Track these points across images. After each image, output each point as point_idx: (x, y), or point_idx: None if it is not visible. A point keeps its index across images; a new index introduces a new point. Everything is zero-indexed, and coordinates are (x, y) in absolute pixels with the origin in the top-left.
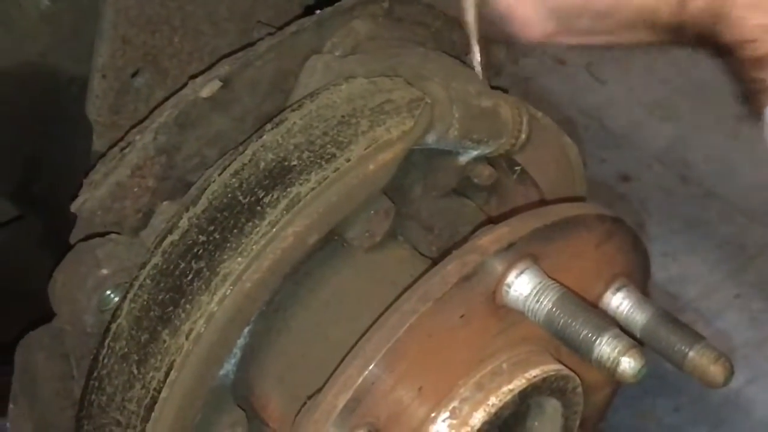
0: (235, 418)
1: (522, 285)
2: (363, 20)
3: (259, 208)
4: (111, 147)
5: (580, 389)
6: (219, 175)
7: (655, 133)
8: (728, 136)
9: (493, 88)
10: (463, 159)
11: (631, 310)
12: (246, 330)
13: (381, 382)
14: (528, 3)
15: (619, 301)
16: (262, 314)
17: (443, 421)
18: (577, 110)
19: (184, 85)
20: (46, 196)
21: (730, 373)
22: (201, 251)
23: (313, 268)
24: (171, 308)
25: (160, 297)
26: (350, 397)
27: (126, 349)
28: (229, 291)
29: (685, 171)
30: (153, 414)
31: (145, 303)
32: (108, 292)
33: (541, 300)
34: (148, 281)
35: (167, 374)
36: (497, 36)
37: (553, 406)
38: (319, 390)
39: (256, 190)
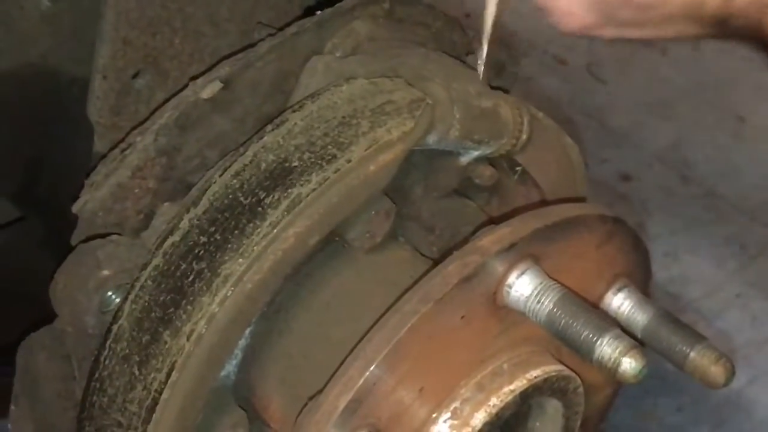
0: (237, 419)
1: (523, 285)
2: (363, 21)
3: (260, 209)
4: (112, 148)
5: (581, 390)
6: (220, 176)
7: (656, 132)
8: (729, 135)
9: (493, 88)
10: (464, 159)
11: (632, 311)
12: (247, 331)
13: (382, 382)
14: None
15: (620, 302)
16: (263, 315)
17: (444, 421)
18: (577, 110)
19: (185, 86)
20: (47, 197)
21: (731, 373)
22: (202, 252)
23: (314, 269)
24: (172, 309)
25: (162, 298)
26: (351, 398)
27: (127, 351)
28: (230, 292)
29: (685, 171)
30: (154, 415)
31: (146, 304)
32: (109, 294)
33: (542, 300)
34: (149, 282)
35: (168, 375)
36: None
37: (554, 406)
38: (321, 391)
39: (257, 191)
